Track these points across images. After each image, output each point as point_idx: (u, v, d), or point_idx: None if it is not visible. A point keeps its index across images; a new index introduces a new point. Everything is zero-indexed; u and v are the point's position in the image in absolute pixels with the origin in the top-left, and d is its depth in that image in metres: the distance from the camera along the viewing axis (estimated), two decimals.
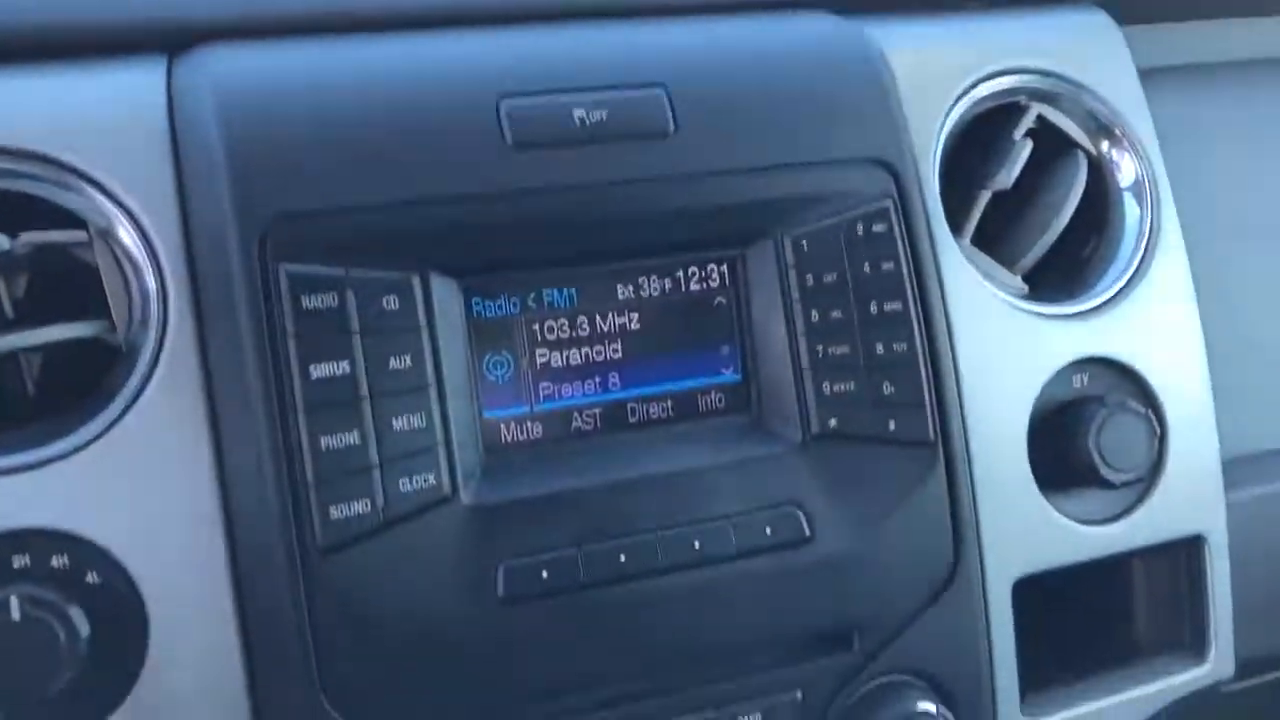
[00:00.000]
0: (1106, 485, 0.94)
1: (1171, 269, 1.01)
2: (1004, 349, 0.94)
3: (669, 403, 0.88)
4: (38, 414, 0.80)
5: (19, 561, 0.74)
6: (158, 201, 0.79)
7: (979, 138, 1.01)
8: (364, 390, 0.77)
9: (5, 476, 0.74)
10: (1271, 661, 1.08)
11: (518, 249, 0.83)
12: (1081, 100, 1.02)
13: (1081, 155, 1.02)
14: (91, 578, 0.75)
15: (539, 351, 0.85)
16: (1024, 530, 0.94)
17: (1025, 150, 0.98)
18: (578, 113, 0.83)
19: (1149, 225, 1.01)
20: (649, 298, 0.87)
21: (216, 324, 0.78)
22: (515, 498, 0.81)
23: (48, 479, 0.75)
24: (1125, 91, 1.03)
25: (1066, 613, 1.04)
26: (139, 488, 0.76)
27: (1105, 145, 1.03)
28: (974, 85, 0.99)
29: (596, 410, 0.86)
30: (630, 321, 0.87)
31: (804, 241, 0.87)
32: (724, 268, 0.88)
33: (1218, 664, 1.02)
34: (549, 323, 0.85)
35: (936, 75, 0.97)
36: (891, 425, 0.87)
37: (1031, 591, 0.95)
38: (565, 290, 0.85)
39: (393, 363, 0.78)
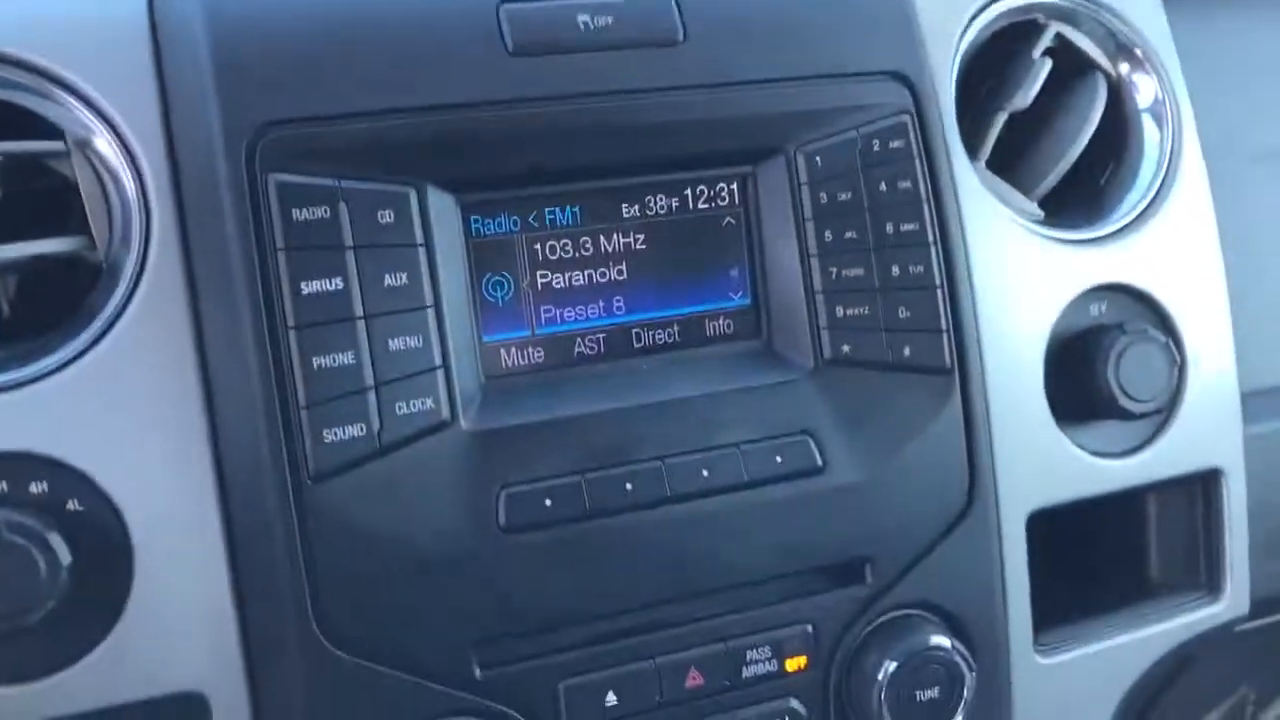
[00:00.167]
0: (1125, 416, 0.92)
1: (1192, 194, 0.98)
2: (1020, 275, 0.92)
3: (675, 328, 0.85)
4: (15, 337, 0.77)
5: None
6: (139, 109, 0.76)
7: (995, 61, 0.98)
8: (358, 309, 0.74)
9: None
10: None
11: (518, 162, 0.79)
12: (1101, 19, 0.99)
13: (1100, 77, 0.99)
14: (73, 505, 0.72)
15: (540, 273, 0.82)
16: (1039, 462, 0.92)
17: (1044, 69, 0.95)
18: (581, 18, 0.79)
19: (1169, 148, 0.99)
20: (655, 217, 0.84)
21: (202, 239, 0.74)
22: (517, 423, 0.78)
23: (24, 401, 0.72)
24: (1146, 11, 1.00)
25: (1080, 549, 1.02)
26: (122, 411, 0.73)
27: (1125, 67, 1.00)
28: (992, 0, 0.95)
29: (600, 335, 0.83)
30: (635, 242, 0.84)
31: (817, 157, 0.84)
32: (734, 185, 0.85)
33: (1233, 602, 1.01)
34: (551, 242, 0.82)
35: None
36: (907, 351, 0.85)
37: (1045, 526, 0.93)
38: (568, 208, 0.82)
39: (388, 280, 0.75)
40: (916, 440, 0.85)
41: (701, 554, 0.81)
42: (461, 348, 0.78)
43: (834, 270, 0.84)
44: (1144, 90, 1.00)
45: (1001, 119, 0.95)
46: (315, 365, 0.73)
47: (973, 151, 0.93)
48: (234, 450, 0.74)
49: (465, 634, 0.77)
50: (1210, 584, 1.01)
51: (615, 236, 0.83)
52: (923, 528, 0.86)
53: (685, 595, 0.82)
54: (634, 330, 0.84)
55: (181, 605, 0.74)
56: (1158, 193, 0.97)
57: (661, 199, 0.84)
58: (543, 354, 0.82)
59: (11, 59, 0.74)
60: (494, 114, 0.77)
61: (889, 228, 0.85)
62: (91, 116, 0.75)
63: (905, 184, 0.85)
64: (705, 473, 0.80)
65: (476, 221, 0.80)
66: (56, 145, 0.75)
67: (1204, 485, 1.00)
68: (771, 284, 0.86)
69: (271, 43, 0.75)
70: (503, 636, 0.78)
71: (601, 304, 0.83)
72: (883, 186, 0.84)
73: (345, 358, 0.74)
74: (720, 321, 0.86)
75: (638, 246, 0.84)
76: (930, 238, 0.85)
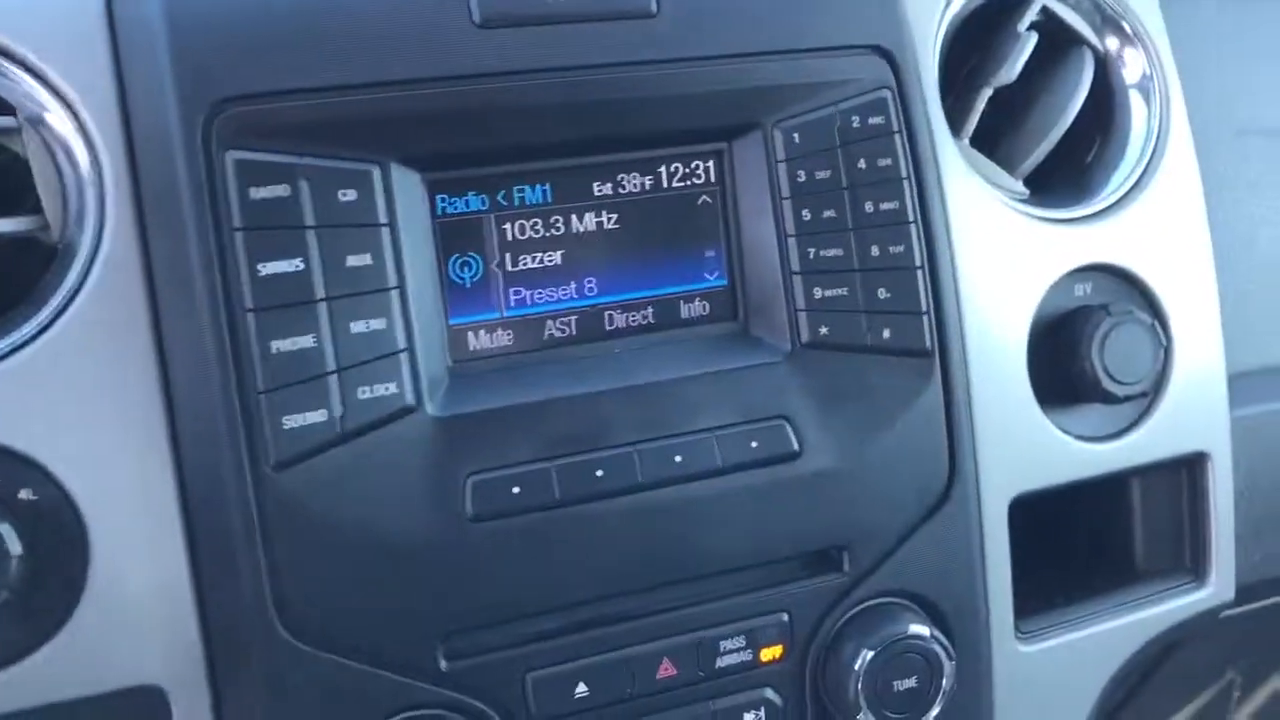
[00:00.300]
0: (1108, 399, 0.90)
1: (1179, 172, 0.96)
2: (1003, 255, 0.90)
3: (649, 309, 0.83)
4: None
5: None
6: (94, 85, 0.73)
7: (980, 35, 0.95)
8: (319, 290, 0.72)
9: None
10: (1271, 585, 1.05)
11: (485, 139, 0.77)
12: None
13: (1087, 52, 0.97)
14: (25, 494, 0.70)
15: (509, 253, 0.80)
16: (1021, 447, 0.90)
17: (1029, 43, 0.93)
18: None
19: (1156, 126, 0.97)
20: (628, 195, 0.81)
21: (158, 218, 0.72)
22: (484, 409, 0.76)
23: None
24: None
25: (1063, 534, 1.01)
26: (75, 398, 0.71)
27: (1112, 41, 0.98)
28: None
29: (571, 317, 0.81)
30: (608, 221, 0.81)
31: (795, 134, 0.81)
32: (709, 163, 0.83)
33: (1218, 588, 1.00)
34: (520, 222, 0.80)
35: None
36: (886, 334, 0.83)
37: (1027, 512, 0.92)
38: (538, 186, 0.80)
39: (350, 260, 0.73)
40: (896, 425, 0.83)
41: (674, 542, 0.79)
42: (427, 331, 0.76)
43: (812, 250, 0.82)
44: (1131, 65, 0.98)
45: (985, 95, 0.93)
46: (274, 349, 0.71)
47: (956, 128, 0.91)
48: (192, 437, 0.72)
49: (431, 625, 0.75)
50: (1195, 570, 1.00)
51: (587, 216, 0.81)
52: (901, 514, 0.84)
53: (658, 584, 0.80)
54: (606, 312, 0.82)
55: (139, 597, 0.72)
56: (1145, 171, 0.96)
57: (635, 177, 0.81)
58: (512, 337, 0.80)
59: None
60: (460, 88, 0.75)
61: (869, 206, 0.82)
62: (45, 93, 0.73)
63: (885, 161, 0.82)
64: (678, 459, 0.78)
65: (442, 200, 0.78)
66: (9, 121, 0.73)
67: (1189, 469, 0.98)
68: (748, 265, 0.83)
69: (229, 16, 0.72)
70: (470, 628, 0.76)
71: (573, 285, 0.81)
72: (862, 164, 0.82)
73: (306, 341, 0.71)
74: (696, 303, 0.84)
75: (610, 226, 0.81)
76: (911, 217, 0.83)
